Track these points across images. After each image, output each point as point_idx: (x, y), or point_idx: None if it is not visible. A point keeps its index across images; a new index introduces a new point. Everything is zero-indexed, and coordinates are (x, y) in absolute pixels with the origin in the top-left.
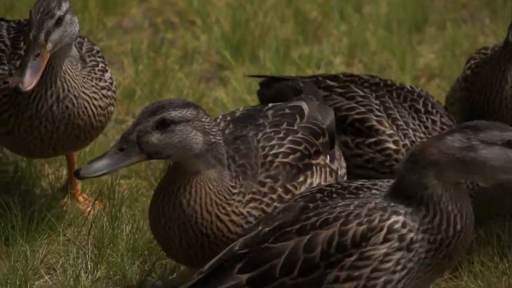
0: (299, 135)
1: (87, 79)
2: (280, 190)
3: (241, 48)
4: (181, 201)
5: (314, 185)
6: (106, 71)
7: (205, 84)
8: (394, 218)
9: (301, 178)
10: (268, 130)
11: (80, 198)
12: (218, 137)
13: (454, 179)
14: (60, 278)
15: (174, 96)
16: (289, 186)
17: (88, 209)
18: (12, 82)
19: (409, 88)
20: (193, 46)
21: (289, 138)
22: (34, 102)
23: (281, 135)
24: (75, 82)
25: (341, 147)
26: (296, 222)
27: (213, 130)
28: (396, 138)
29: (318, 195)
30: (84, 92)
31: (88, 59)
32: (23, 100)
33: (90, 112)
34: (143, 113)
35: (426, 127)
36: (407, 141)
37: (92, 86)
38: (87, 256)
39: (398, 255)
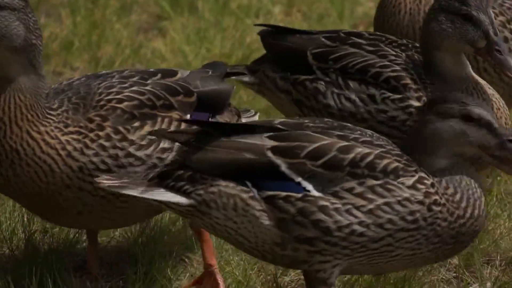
0: (147, 87)
1: None
2: (109, 129)
3: None
4: None
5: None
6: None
7: (144, 35)
8: (425, 175)
9: (136, 124)
10: (114, 80)
11: None
12: (39, 41)
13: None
14: None
15: (112, 47)
16: (120, 128)
17: None
18: None
19: None
20: None
21: (133, 88)
22: None
23: (125, 85)
24: None
25: (367, 102)
26: (341, 130)
27: (37, 31)
28: (421, 93)
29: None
30: None
31: None
32: None
33: None
34: None
35: None
36: (425, 97)
37: None
38: (23, 209)
39: (416, 207)
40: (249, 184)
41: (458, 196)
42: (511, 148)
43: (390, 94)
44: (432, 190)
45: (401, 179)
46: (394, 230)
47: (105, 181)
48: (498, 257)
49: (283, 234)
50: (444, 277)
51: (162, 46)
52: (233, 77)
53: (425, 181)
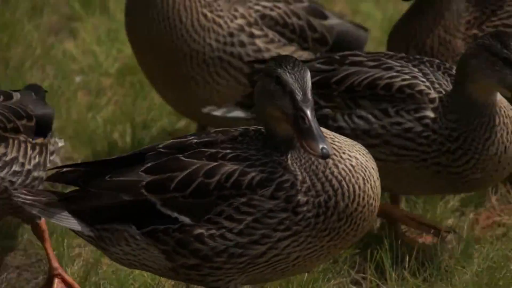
0: None
1: None
2: None
3: None
4: None
5: (9, 157)
6: None
7: (55, 36)
8: (286, 176)
9: None
10: None
11: None
12: None
13: None
14: None
15: (23, 48)
16: None
17: None
18: None
19: (439, 61)
20: None
21: None
22: None
23: None
24: None
25: (380, 116)
26: (215, 147)
27: None
28: (436, 104)
29: (252, 133)
30: None
31: None
32: None
33: None
34: None
35: None
36: (440, 108)
37: None
38: None
39: (283, 215)
40: (133, 227)
41: (312, 184)
42: (299, 125)
43: (404, 105)
44: (292, 192)
45: (262, 191)
46: (273, 242)
47: (21, 195)
48: (406, 258)
49: (171, 263)
50: (353, 279)
51: (73, 47)
52: (228, 115)
53: (285, 185)
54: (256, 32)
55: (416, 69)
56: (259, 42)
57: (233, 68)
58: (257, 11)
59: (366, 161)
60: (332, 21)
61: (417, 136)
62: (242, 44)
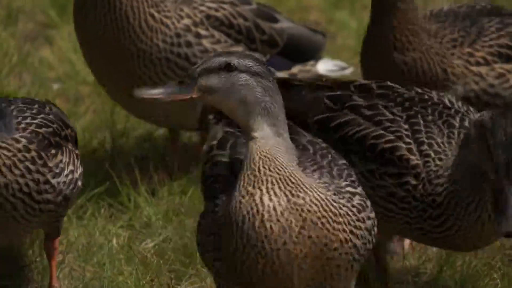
0: (50, 116)
1: None
2: (34, 153)
3: (67, 6)
4: None
5: (63, 163)
6: None
7: (31, 44)
8: (217, 201)
9: (53, 151)
10: (20, 105)
11: None
12: None
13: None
14: None
15: None
16: (42, 153)
17: None
18: None
19: (448, 104)
20: (18, 5)
21: (42, 115)
22: None
23: (34, 111)
24: None
25: (368, 177)
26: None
27: None
28: (419, 170)
29: None
30: None
31: None
32: None
33: None
34: None
35: (452, 144)
36: (424, 173)
37: None
38: None
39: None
40: None
41: (217, 218)
42: None
43: (386, 169)
44: (217, 216)
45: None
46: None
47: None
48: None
49: None
50: None
51: (49, 54)
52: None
53: (213, 210)
54: (203, 32)
55: (406, 125)
56: (205, 43)
57: (179, 68)
58: (202, 11)
59: (269, 199)
60: (283, 24)
61: (399, 201)
62: (189, 44)
